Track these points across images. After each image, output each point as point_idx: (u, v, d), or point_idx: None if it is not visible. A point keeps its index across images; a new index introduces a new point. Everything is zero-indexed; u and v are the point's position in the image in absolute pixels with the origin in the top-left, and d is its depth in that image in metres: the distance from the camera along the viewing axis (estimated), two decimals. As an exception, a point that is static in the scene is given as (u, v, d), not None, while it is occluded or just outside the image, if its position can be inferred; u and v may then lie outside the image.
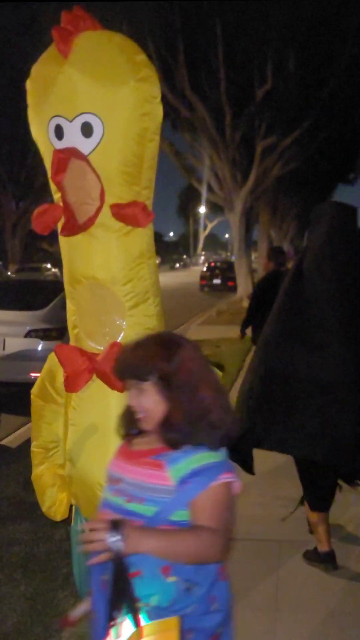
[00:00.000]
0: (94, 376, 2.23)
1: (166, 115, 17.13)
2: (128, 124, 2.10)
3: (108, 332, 2.24)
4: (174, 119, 17.09)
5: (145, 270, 2.27)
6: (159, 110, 2.17)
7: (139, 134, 2.14)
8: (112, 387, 2.19)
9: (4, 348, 6.77)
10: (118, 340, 2.22)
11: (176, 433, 1.51)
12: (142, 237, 2.25)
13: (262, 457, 4.65)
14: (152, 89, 2.14)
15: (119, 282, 2.21)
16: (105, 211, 2.12)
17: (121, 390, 2.20)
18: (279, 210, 26.84)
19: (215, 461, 1.50)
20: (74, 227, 2.12)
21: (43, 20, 12.92)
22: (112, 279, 2.20)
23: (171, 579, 1.46)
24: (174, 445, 1.51)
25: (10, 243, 28.25)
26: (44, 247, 39.08)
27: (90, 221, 2.11)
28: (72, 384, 2.25)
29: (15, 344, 6.76)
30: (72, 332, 2.35)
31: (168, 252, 64.84)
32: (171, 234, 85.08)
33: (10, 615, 2.88)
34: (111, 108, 2.06)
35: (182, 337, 1.65)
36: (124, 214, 2.13)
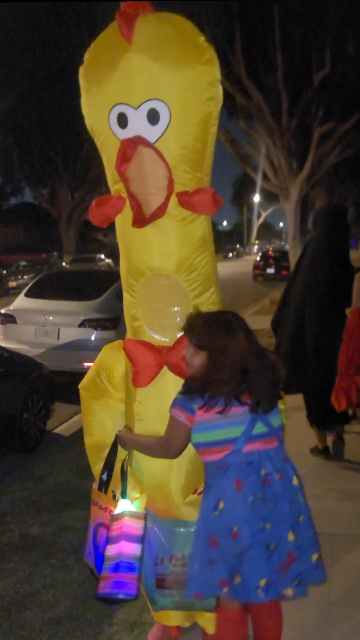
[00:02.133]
0: (163, 369, 2.22)
1: (222, 102, 17.13)
2: (194, 109, 2.03)
3: (173, 324, 2.21)
4: (230, 106, 16.91)
5: (208, 257, 2.23)
6: (221, 93, 2.09)
7: (204, 119, 2.07)
8: (184, 376, 2.19)
9: (58, 338, 6.90)
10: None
11: (185, 384, 2.08)
12: (204, 225, 2.19)
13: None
14: (216, 71, 2.05)
15: (185, 272, 2.16)
16: (172, 200, 2.06)
17: None
18: (335, 197, 26.24)
19: (175, 397, 2.09)
20: (144, 220, 2.05)
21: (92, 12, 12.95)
22: (178, 268, 2.16)
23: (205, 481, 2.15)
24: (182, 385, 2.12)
25: (65, 234, 28.71)
26: (98, 238, 39.61)
27: (161, 211, 2.05)
28: (142, 379, 2.23)
29: (70, 333, 6.88)
30: (131, 325, 2.31)
31: (222, 241, 64.51)
32: (225, 223, 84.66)
33: (63, 600, 2.93)
34: (178, 93, 1.98)
35: (243, 322, 2.11)
36: (194, 201, 2.07)
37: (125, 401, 2.45)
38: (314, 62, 14.91)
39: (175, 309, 2.20)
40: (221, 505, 2.04)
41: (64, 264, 27.09)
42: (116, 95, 2.02)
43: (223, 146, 18.06)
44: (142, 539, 2.23)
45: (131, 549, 2.21)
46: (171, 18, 2.03)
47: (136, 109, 2.00)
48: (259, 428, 2.07)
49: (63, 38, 18.39)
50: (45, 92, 21.84)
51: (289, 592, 2.05)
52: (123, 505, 2.26)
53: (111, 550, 2.21)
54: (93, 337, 6.78)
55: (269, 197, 37.09)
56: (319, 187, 20.29)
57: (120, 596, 2.19)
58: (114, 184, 2.18)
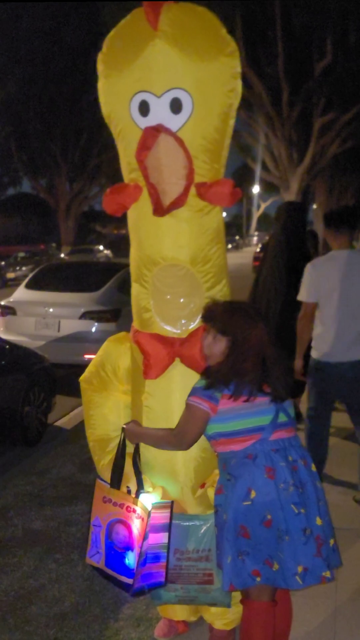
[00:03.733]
0: (175, 361, 2.20)
1: (241, 90, 17.13)
2: (216, 100, 2.02)
3: (186, 315, 2.18)
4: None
5: (221, 249, 2.21)
6: (240, 87, 2.08)
7: (225, 110, 2.06)
8: (199, 370, 2.17)
9: (58, 330, 6.87)
10: (196, 322, 2.19)
11: (212, 374, 2.09)
12: (218, 216, 2.18)
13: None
14: (238, 64, 2.05)
15: (199, 263, 2.14)
16: (190, 190, 2.04)
17: None
18: (335, 189, 26.17)
19: (195, 386, 2.10)
20: (163, 208, 2.02)
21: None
22: (193, 259, 2.13)
23: (225, 473, 2.15)
24: (203, 375, 2.14)
25: (63, 225, 28.61)
26: (96, 229, 39.51)
27: (181, 201, 2.02)
28: (154, 371, 2.21)
29: (70, 325, 6.85)
30: (141, 317, 2.27)
31: (220, 232, 64.10)
32: (224, 214, 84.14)
33: (68, 595, 2.91)
34: (202, 84, 1.97)
35: (260, 316, 2.15)
36: (212, 193, 2.04)
37: (132, 393, 2.42)
38: (316, 52, 14.82)
39: (189, 300, 2.18)
40: (253, 494, 2.04)
41: (62, 255, 27.01)
42: (139, 82, 1.99)
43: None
44: (168, 527, 2.25)
45: (157, 539, 2.23)
46: (195, 9, 2.01)
47: (159, 97, 1.97)
48: (282, 417, 2.12)
49: (63, 27, 18.26)
50: (45, 82, 21.71)
51: (327, 574, 2.09)
52: (148, 499, 2.25)
53: (143, 547, 2.21)
54: (94, 329, 6.75)
55: (269, 188, 36.99)
56: (320, 178, 20.24)
57: (148, 588, 2.23)
58: (130, 173, 2.14)
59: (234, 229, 69.17)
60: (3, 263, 23.47)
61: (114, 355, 2.46)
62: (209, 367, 2.14)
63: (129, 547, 2.25)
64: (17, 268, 23.26)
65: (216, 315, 2.11)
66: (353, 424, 3.77)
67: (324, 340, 3.60)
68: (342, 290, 3.54)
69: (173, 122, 1.98)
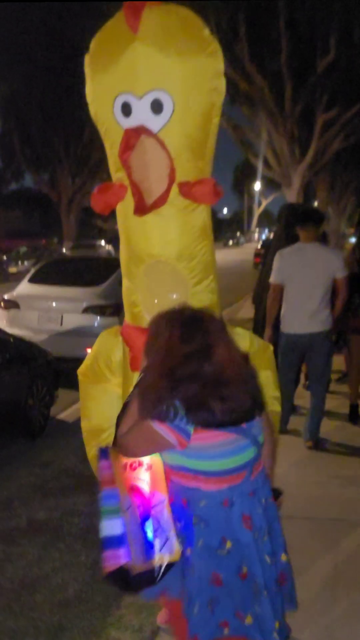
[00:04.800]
0: None
1: (225, 91, 16.81)
2: (197, 100, 2.06)
3: None
4: (232, 92, 16.79)
5: (208, 246, 2.25)
6: (224, 86, 2.12)
7: (207, 110, 2.09)
8: None
9: (61, 324, 6.91)
10: None
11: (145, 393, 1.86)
12: (204, 214, 2.22)
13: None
14: (219, 63, 2.08)
15: (184, 260, 2.19)
16: (173, 189, 2.09)
17: None
18: (337, 185, 26.15)
19: (159, 410, 1.81)
20: (145, 208, 2.08)
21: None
22: (178, 256, 2.18)
23: (187, 510, 1.90)
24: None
25: (65, 220, 28.60)
26: (98, 225, 39.46)
27: (162, 200, 2.08)
28: (138, 363, 2.25)
29: (73, 319, 6.89)
30: (130, 311, 2.33)
31: (222, 229, 64.23)
32: (225, 210, 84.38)
33: (71, 583, 2.97)
34: (182, 84, 2.01)
35: (213, 316, 1.93)
36: (195, 192, 2.09)
37: (122, 386, 2.46)
38: (319, 48, 14.77)
39: (175, 295, 2.23)
40: (228, 544, 1.85)
41: (64, 250, 27.02)
42: (121, 84, 2.04)
43: (224, 132, 17.96)
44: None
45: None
46: (177, 10, 2.05)
47: (140, 98, 2.02)
48: (255, 450, 1.91)
49: (66, 22, 18.21)
50: (47, 76, 21.67)
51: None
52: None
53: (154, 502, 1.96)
54: (96, 324, 6.79)
55: (270, 184, 36.93)
56: (322, 175, 20.22)
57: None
58: (116, 172, 2.20)
59: (235, 226, 69.10)
60: (5, 257, 23.49)
61: (107, 348, 2.49)
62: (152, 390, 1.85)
63: (146, 516, 1.93)
64: (19, 263, 23.28)
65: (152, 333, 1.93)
66: (309, 382, 4.91)
67: (287, 317, 4.53)
68: (301, 275, 4.41)
69: (154, 122, 2.03)
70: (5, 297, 7.36)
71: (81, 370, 2.64)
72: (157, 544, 1.87)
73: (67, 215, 28.57)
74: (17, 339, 5.40)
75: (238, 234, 63.61)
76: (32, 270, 8.00)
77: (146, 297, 2.27)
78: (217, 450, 1.86)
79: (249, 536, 1.87)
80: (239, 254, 37.18)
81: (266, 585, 1.88)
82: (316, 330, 4.45)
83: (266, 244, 28.13)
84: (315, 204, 25.10)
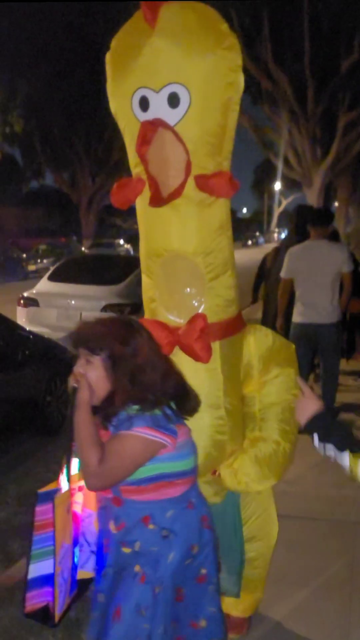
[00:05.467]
0: (175, 350, 2.22)
1: (247, 87, 16.65)
2: (214, 93, 2.06)
3: (189, 305, 2.22)
4: (255, 91, 16.76)
5: (225, 241, 2.24)
6: (242, 80, 2.12)
7: (224, 103, 2.09)
8: (197, 359, 2.19)
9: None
10: (200, 312, 2.20)
11: (113, 410, 1.74)
12: (223, 208, 2.21)
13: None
14: (237, 57, 2.08)
15: (201, 254, 2.18)
16: (190, 183, 2.08)
17: (205, 362, 2.19)
18: (359, 186, 25.96)
19: (135, 415, 1.72)
20: (160, 199, 2.08)
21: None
22: (194, 250, 2.17)
23: (151, 527, 1.75)
24: (107, 418, 1.75)
25: (85, 218, 28.75)
26: (117, 223, 39.63)
27: (177, 193, 2.07)
28: None
29: (92, 317, 6.90)
30: (148, 307, 2.33)
31: (241, 228, 64.07)
32: (245, 210, 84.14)
33: (87, 578, 2.98)
34: (198, 78, 2.01)
35: (141, 325, 1.88)
36: (211, 184, 2.08)
37: None
38: (342, 48, 14.68)
39: (192, 290, 2.22)
40: (195, 549, 1.80)
41: (83, 248, 27.17)
42: (139, 79, 2.05)
43: (245, 132, 17.93)
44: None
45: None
46: (194, 5, 2.06)
47: (157, 92, 2.02)
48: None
49: (87, 21, 18.31)
50: (69, 76, 21.80)
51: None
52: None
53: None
54: (115, 322, 6.81)
55: (290, 185, 36.76)
56: (343, 176, 20.10)
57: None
58: (135, 167, 2.21)
59: (255, 226, 68.90)
60: (25, 255, 23.70)
61: None
62: (111, 411, 1.77)
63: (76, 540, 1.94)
64: (39, 261, 23.47)
65: (84, 332, 1.82)
66: (321, 374, 5.17)
67: (296, 308, 4.96)
68: (309, 270, 4.82)
69: (171, 116, 2.03)
70: (25, 294, 7.43)
71: None
72: (80, 559, 1.89)
73: (87, 214, 28.72)
74: (37, 336, 5.45)
75: (257, 233, 63.38)
76: (52, 268, 8.07)
77: (163, 292, 2.26)
78: (187, 448, 1.83)
79: (210, 535, 1.85)
80: (258, 254, 37.07)
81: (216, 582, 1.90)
82: (322, 322, 4.82)
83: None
84: (336, 204, 24.96)
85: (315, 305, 4.83)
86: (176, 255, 2.18)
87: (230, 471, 2.27)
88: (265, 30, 14.31)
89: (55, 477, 4.21)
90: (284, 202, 60.46)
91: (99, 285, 7.30)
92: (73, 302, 7.07)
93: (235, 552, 2.39)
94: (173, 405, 1.82)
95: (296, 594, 2.88)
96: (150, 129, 2.03)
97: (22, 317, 7.29)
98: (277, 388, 2.32)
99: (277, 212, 63.10)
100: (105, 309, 6.91)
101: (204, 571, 1.83)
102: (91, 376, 1.74)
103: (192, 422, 2.23)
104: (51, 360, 5.26)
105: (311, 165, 16.64)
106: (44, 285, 7.56)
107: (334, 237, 6.06)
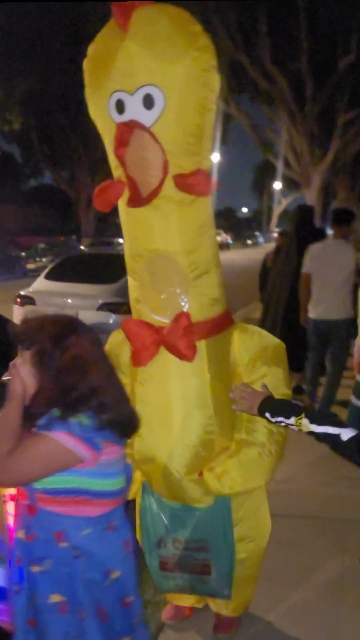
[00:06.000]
0: (160, 349, 2.23)
1: (245, 87, 16.57)
2: (189, 94, 2.08)
3: (173, 305, 2.23)
4: (253, 91, 16.76)
5: (208, 240, 2.26)
6: (217, 80, 2.15)
7: (199, 103, 2.12)
8: (181, 357, 2.21)
9: (77, 320, 6.95)
10: (184, 311, 2.22)
11: (37, 409, 1.66)
12: (204, 207, 2.23)
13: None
14: (211, 58, 2.11)
15: (184, 253, 2.20)
16: (169, 183, 2.10)
17: (190, 360, 2.20)
18: (358, 185, 25.96)
19: (58, 418, 1.63)
20: (139, 199, 2.11)
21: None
22: (176, 250, 2.19)
23: (62, 545, 1.65)
24: (31, 417, 1.66)
25: (84, 217, 28.76)
26: (116, 222, 39.54)
27: (155, 192, 2.09)
28: (139, 358, 2.26)
29: (88, 316, 6.90)
30: (134, 308, 2.35)
31: (241, 228, 63.99)
32: (244, 209, 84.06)
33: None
34: (172, 79, 2.04)
35: (83, 325, 1.78)
36: (189, 183, 2.10)
37: (130, 384, 2.47)
38: (340, 48, 14.69)
39: (176, 290, 2.23)
40: (114, 575, 1.71)
41: (82, 247, 27.18)
42: (114, 83, 2.08)
43: (245, 132, 17.95)
44: None
45: None
46: (166, 8, 2.09)
47: (132, 94, 2.05)
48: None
49: (85, 20, 18.29)
50: (66, 74, 21.80)
51: None
52: None
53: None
54: (111, 321, 6.83)
55: (290, 184, 36.76)
56: (342, 175, 20.10)
57: None
58: (115, 169, 2.23)
59: (255, 225, 68.84)
60: (23, 254, 23.69)
61: (116, 348, 2.50)
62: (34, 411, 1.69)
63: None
64: (37, 259, 23.45)
65: (19, 328, 1.77)
66: (330, 360, 5.34)
67: (313, 304, 5.23)
68: (324, 268, 5.10)
69: (147, 117, 2.06)
70: (22, 293, 7.44)
71: None
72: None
73: (86, 213, 28.73)
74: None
75: (257, 233, 63.36)
76: (49, 267, 8.07)
77: (148, 293, 2.28)
78: (113, 468, 1.72)
79: (132, 561, 1.76)
80: (257, 253, 37.08)
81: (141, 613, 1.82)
82: (334, 318, 5.08)
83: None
84: (335, 203, 24.95)
85: (327, 302, 5.09)
86: (159, 255, 2.20)
87: (214, 475, 2.28)
88: (263, 29, 14.31)
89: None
90: (284, 202, 60.45)
91: (95, 284, 7.30)
92: (69, 300, 7.08)
93: (226, 554, 2.39)
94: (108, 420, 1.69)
95: (286, 593, 2.89)
96: (126, 131, 2.06)
97: (18, 316, 7.29)
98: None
99: (277, 211, 63.09)
100: (101, 307, 6.93)
101: (129, 599, 1.74)
102: (22, 371, 1.68)
103: (180, 421, 2.25)
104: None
105: (309, 164, 16.65)
106: (40, 283, 7.57)
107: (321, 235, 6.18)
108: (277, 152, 19.03)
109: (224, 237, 48.61)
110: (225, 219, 64.50)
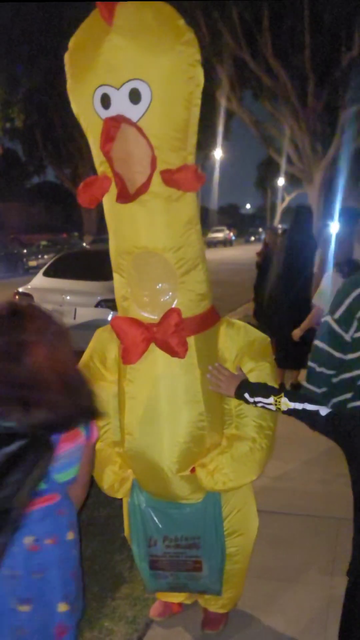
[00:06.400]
0: (150, 346, 2.22)
1: (247, 83, 16.55)
2: (175, 88, 2.06)
3: (161, 301, 2.22)
4: (255, 87, 16.72)
5: (195, 236, 2.24)
6: (201, 74, 2.12)
7: (185, 98, 2.10)
8: (173, 354, 2.19)
9: (74, 317, 6.95)
10: (175, 307, 2.20)
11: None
12: (191, 203, 2.21)
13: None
14: (195, 52, 2.09)
15: (171, 249, 2.18)
16: (156, 178, 2.08)
17: (182, 357, 2.20)
18: (360, 182, 25.88)
19: None
20: (127, 195, 2.08)
21: None
22: (164, 246, 2.17)
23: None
24: None
25: (86, 214, 28.76)
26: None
27: (144, 188, 2.07)
28: (129, 356, 2.24)
29: (86, 313, 6.92)
30: (121, 305, 2.33)
31: (244, 224, 63.91)
32: (248, 206, 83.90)
33: (68, 573, 2.98)
34: (158, 73, 2.02)
35: (37, 315, 1.62)
36: (177, 179, 2.08)
37: (118, 382, 2.45)
38: (343, 43, 14.64)
39: (164, 286, 2.22)
40: (26, 607, 1.64)
41: (84, 244, 27.19)
42: (99, 77, 2.05)
43: (249, 129, 17.91)
44: None
45: None
46: (151, 2, 2.07)
47: (118, 89, 2.03)
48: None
49: (88, 15, 18.30)
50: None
51: None
52: None
53: None
54: (109, 317, 6.80)
55: (294, 180, 36.71)
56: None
57: None
58: (100, 165, 2.20)
59: (259, 222, 68.74)
60: (25, 251, 23.71)
61: (102, 345, 2.48)
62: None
63: None
64: (39, 256, 23.47)
65: None
66: None
67: None
68: None
69: (133, 112, 2.03)
70: (20, 290, 7.44)
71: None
72: None
73: (88, 210, 28.71)
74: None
75: (260, 229, 63.28)
76: (47, 264, 8.07)
77: (135, 289, 2.25)
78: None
79: None
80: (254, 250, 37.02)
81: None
82: None
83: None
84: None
85: None
86: (146, 251, 2.18)
87: (207, 472, 2.26)
88: (265, 25, 14.26)
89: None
90: (287, 198, 60.34)
91: (93, 280, 7.28)
92: (68, 297, 7.07)
93: (217, 550, 2.38)
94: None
95: (276, 590, 2.88)
96: (113, 125, 2.03)
97: (17, 313, 7.30)
98: None
99: (280, 208, 62.98)
100: (99, 304, 6.91)
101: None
102: None
103: (171, 418, 2.23)
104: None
105: (312, 161, 16.60)
106: (38, 280, 7.56)
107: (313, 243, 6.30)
108: (280, 149, 18.99)
109: (227, 233, 48.47)
110: (229, 215, 64.47)
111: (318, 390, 2.30)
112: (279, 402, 2.08)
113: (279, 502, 3.72)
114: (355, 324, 2.15)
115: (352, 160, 18.78)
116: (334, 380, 2.23)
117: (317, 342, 2.29)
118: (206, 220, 50.85)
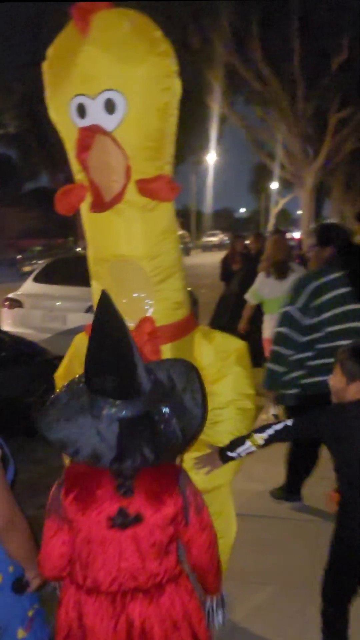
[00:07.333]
0: None
1: (237, 88, 16.58)
2: (150, 99, 2.09)
3: (137, 309, 2.25)
4: (246, 92, 16.78)
5: (171, 244, 2.28)
6: (178, 85, 2.15)
7: (161, 109, 2.13)
8: (146, 361, 2.22)
9: (65, 323, 6.98)
10: (148, 316, 2.23)
11: None
12: (167, 212, 2.24)
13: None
14: (171, 63, 2.12)
15: (147, 258, 2.21)
16: (131, 187, 2.12)
17: None
18: (353, 185, 25.99)
19: None
20: (102, 204, 2.12)
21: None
22: (140, 255, 2.21)
23: None
24: None
25: (81, 220, 28.76)
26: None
27: (118, 197, 2.11)
28: None
29: (76, 319, 6.94)
30: None
31: (239, 228, 63.93)
32: (242, 210, 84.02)
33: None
34: (133, 84, 2.05)
35: None
36: (151, 188, 2.12)
37: None
38: (332, 47, 14.72)
39: (140, 294, 2.26)
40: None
41: (79, 249, 27.19)
42: (75, 87, 2.09)
43: (241, 133, 17.97)
44: None
45: None
46: (127, 13, 2.10)
47: (94, 99, 2.05)
48: None
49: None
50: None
51: None
52: None
53: None
54: (99, 323, 6.83)
55: (288, 184, 36.81)
56: (336, 174, 20.12)
57: None
58: (77, 174, 2.24)
59: (253, 226, 68.79)
60: (20, 256, 23.71)
61: (81, 349, 2.52)
62: None
63: None
64: (34, 262, 23.46)
65: None
66: None
67: None
68: None
69: (108, 122, 2.06)
70: (10, 296, 7.46)
71: (58, 373, 2.66)
72: None
73: (83, 215, 28.75)
74: (15, 337, 5.48)
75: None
76: (37, 269, 8.09)
77: (112, 297, 2.29)
78: None
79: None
80: (254, 253, 37.01)
81: None
82: None
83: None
84: (329, 203, 24.97)
85: None
86: (122, 259, 2.22)
87: None
88: (255, 31, 14.33)
89: (30, 477, 4.23)
90: (281, 202, 60.39)
91: (83, 286, 7.26)
92: (58, 303, 7.10)
93: None
94: None
95: (255, 594, 2.91)
96: (88, 135, 2.07)
97: (7, 319, 7.31)
98: (224, 388, 2.36)
99: (274, 211, 63.03)
100: (89, 309, 6.93)
101: None
102: None
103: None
104: (31, 361, 5.28)
105: (303, 164, 16.67)
106: (29, 286, 7.59)
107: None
108: (272, 153, 19.07)
109: (221, 237, 48.53)
110: (223, 219, 64.53)
111: (280, 369, 3.23)
112: (254, 440, 2.23)
113: (259, 505, 3.75)
114: (311, 312, 3.04)
115: (343, 164, 18.88)
116: (291, 359, 3.17)
117: (278, 329, 3.17)
118: (200, 224, 50.85)
